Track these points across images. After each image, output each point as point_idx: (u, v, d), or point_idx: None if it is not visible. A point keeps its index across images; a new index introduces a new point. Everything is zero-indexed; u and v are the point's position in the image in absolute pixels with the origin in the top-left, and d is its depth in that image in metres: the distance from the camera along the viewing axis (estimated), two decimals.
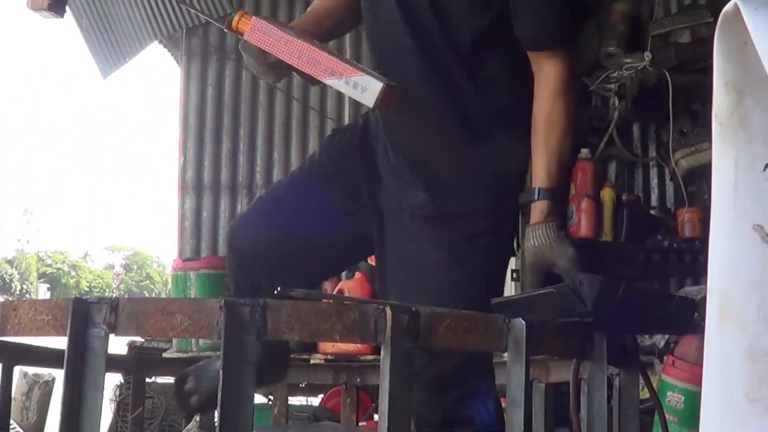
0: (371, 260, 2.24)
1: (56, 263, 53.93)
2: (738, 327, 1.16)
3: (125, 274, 56.21)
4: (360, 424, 3.13)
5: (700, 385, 1.22)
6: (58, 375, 2.89)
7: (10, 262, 49.41)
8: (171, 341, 4.08)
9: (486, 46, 1.95)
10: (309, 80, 1.88)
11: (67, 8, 4.10)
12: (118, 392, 4.36)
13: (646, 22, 4.28)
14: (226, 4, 5.58)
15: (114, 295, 1.66)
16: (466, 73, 1.95)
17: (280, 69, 1.89)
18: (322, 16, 2.12)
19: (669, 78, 3.86)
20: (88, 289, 50.77)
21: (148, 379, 2.83)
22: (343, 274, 4.24)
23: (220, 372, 1.24)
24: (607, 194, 3.97)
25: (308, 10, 2.17)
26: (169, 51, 6.27)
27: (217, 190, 5.73)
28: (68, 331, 1.27)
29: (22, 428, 5.25)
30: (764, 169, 1.16)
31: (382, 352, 1.28)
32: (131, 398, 2.88)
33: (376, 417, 3.44)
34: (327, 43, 2.10)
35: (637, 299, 1.65)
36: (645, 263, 3.94)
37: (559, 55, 1.92)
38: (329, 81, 1.79)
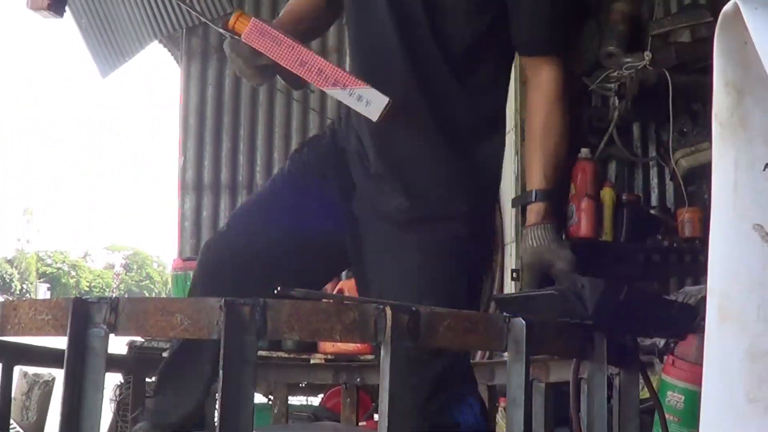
0: None
1: (56, 263, 53.93)
2: (738, 327, 1.16)
3: (125, 274, 56.21)
4: (360, 424, 3.13)
5: (700, 384, 1.22)
6: (58, 375, 2.89)
7: (10, 261, 49.40)
8: (171, 341, 4.08)
9: (478, 53, 1.98)
10: (293, 84, 1.86)
11: (67, 8, 4.12)
12: (118, 392, 4.35)
13: (646, 21, 4.28)
14: (226, 4, 5.58)
15: (114, 295, 1.66)
16: (457, 81, 1.95)
17: (266, 72, 1.86)
18: (297, 19, 2.09)
19: (669, 78, 3.86)
20: (88, 289, 50.78)
21: (148, 379, 2.82)
22: (343, 274, 4.25)
23: (221, 371, 1.24)
24: (607, 194, 3.97)
25: (281, 14, 2.11)
26: (169, 51, 6.27)
27: (217, 190, 5.74)
28: (68, 330, 1.27)
29: (22, 428, 5.25)
30: (764, 169, 1.16)
31: (382, 352, 1.28)
32: (131, 398, 2.88)
33: (376, 417, 3.44)
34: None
35: (639, 303, 1.66)
36: (645, 263, 3.94)
37: (556, 60, 1.96)
38: (332, 91, 1.78)
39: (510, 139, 3.67)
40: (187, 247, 5.67)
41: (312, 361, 4.30)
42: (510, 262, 4.16)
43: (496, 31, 1.98)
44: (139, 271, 57.27)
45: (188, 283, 4.01)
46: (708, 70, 1.26)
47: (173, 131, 6.09)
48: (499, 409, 2.85)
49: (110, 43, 6.16)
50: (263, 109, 5.76)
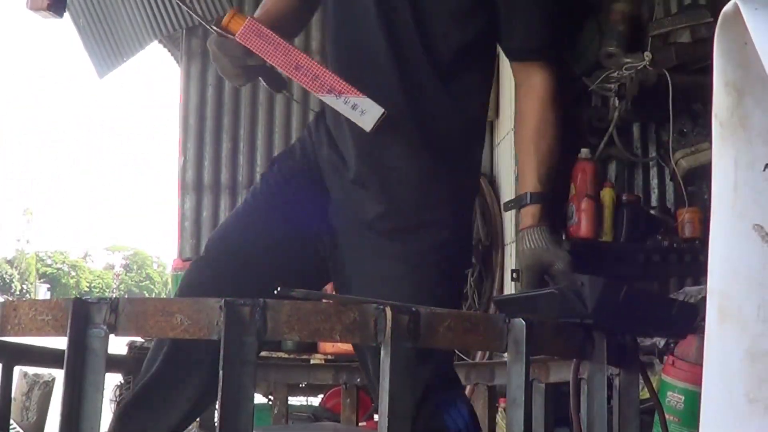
0: None
1: (56, 263, 53.95)
2: (738, 327, 1.16)
3: (125, 274, 56.23)
4: (360, 424, 3.13)
5: (700, 385, 1.22)
6: (58, 375, 2.89)
7: (10, 262, 49.41)
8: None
9: (464, 59, 1.97)
10: (275, 87, 1.85)
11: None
12: (118, 392, 4.35)
13: (646, 22, 4.28)
14: (226, 5, 5.58)
15: (114, 295, 1.66)
16: (443, 86, 1.95)
17: (251, 73, 1.84)
18: (273, 20, 2.03)
19: (669, 78, 3.86)
20: (88, 289, 50.81)
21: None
22: None
23: (221, 371, 1.24)
24: (607, 194, 3.97)
25: (257, 14, 2.05)
26: (169, 51, 6.27)
27: (217, 190, 5.73)
28: (68, 331, 1.27)
29: (22, 428, 5.25)
30: (764, 169, 1.16)
31: (382, 353, 1.28)
32: None
33: (376, 417, 3.44)
34: None
35: (639, 302, 1.66)
36: (645, 263, 3.94)
37: (549, 65, 1.98)
38: (326, 97, 1.76)
39: (510, 139, 3.67)
40: (187, 248, 5.67)
41: (312, 362, 4.30)
42: (510, 262, 4.16)
43: (483, 38, 1.99)
44: (139, 271, 57.28)
45: None
46: (708, 70, 1.26)
47: (173, 131, 6.09)
48: (499, 409, 2.85)
49: (108, 44, 6.16)
50: (263, 109, 5.76)
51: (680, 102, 3.94)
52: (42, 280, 50.81)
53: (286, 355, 4.55)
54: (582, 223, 3.84)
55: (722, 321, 1.18)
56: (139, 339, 4.24)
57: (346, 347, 4.15)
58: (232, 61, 1.80)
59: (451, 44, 1.94)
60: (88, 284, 52.69)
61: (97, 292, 48.38)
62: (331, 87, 1.74)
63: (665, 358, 2.94)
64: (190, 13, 1.92)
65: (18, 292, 46.20)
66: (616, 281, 1.60)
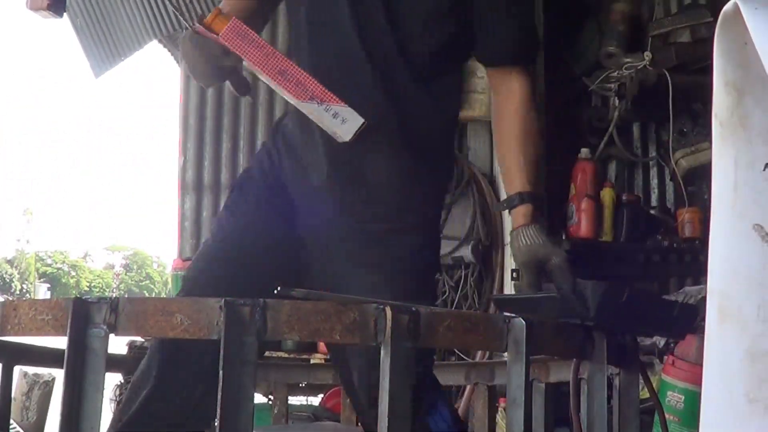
0: None
1: (56, 263, 53.95)
2: (738, 327, 1.16)
3: (125, 274, 56.23)
4: (360, 424, 3.13)
5: (700, 384, 1.22)
6: (58, 375, 2.89)
7: (10, 261, 49.41)
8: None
9: (439, 62, 1.98)
10: (241, 90, 1.81)
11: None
12: (118, 392, 4.35)
13: (646, 22, 4.28)
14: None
15: (114, 295, 1.65)
16: (421, 88, 1.95)
17: (222, 75, 1.80)
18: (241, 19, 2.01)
19: (669, 78, 3.86)
20: (88, 289, 50.80)
21: None
22: None
23: (221, 371, 1.24)
24: (607, 194, 3.97)
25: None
26: (169, 51, 6.26)
27: (217, 190, 5.73)
28: (68, 331, 1.27)
29: (22, 428, 5.25)
30: (764, 169, 1.16)
31: (382, 352, 1.27)
32: None
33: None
34: None
35: (640, 303, 1.66)
36: (645, 263, 3.94)
37: (525, 69, 2.00)
38: (308, 105, 1.73)
39: None
40: (187, 247, 5.66)
41: (312, 361, 4.30)
42: (510, 262, 4.16)
43: (457, 40, 1.99)
44: (139, 271, 57.29)
45: None
46: (708, 70, 1.26)
47: (173, 131, 6.09)
48: (499, 409, 2.85)
49: (105, 44, 6.16)
50: (263, 109, 5.75)
51: (680, 102, 3.95)
52: (42, 280, 50.80)
53: (286, 355, 4.55)
54: (582, 223, 3.85)
55: (722, 321, 1.18)
56: (139, 339, 4.24)
57: None
58: (207, 60, 1.76)
59: (427, 46, 1.94)
60: (88, 284, 52.68)
61: (97, 292, 48.38)
62: (314, 94, 1.72)
63: (665, 358, 2.94)
64: (176, 10, 1.88)
65: (18, 292, 46.19)
66: (617, 284, 1.61)
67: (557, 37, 4.04)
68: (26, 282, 48.55)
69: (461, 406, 3.59)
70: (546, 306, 1.70)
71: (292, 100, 1.74)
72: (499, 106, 2.01)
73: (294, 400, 4.31)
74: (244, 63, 1.76)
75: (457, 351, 3.67)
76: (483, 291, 3.94)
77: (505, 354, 1.40)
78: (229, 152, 5.74)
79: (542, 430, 1.80)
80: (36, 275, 50.61)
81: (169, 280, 5.70)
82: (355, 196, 1.96)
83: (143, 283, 55.69)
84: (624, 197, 4.06)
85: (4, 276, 47.90)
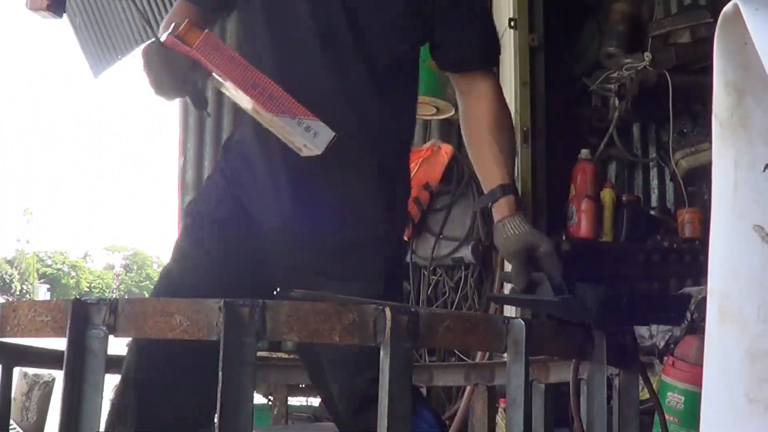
0: None
1: (56, 263, 53.94)
2: (738, 327, 1.16)
3: (125, 275, 56.19)
4: None
5: (700, 385, 1.22)
6: (58, 375, 2.89)
7: (10, 262, 49.41)
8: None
9: (401, 71, 2.00)
10: (198, 104, 1.78)
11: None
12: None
13: (646, 22, 4.28)
14: None
15: (114, 296, 1.64)
16: (380, 98, 1.95)
17: (186, 89, 1.76)
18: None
19: (669, 78, 3.86)
20: (88, 290, 50.79)
21: None
22: None
23: (220, 372, 1.24)
24: (607, 195, 3.96)
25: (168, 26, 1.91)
26: None
27: None
28: (67, 332, 1.27)
29: (21, 428, 5.25)
30: (764, 170, 1.16)
31: (381, 353, 1.27)
32: None
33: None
34: None
35: (638, 304, 1.68)
36: (645, 263, 3.94)
37: (490, 71, 2.04)
38: (280, 118, 1.71)
39: None
40: None
41: None
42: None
43: (417, 51, 2.02)
44: (139, 271, 57.25)
45: None
46: (708, 70, 1.26)
47: (173, 131, 6.08)
48: (499, 409, 2.85)
49: (104, 43, 6.16)
50: None
51: (680, 102, 3.95)
52: (42, 281, 50.77)
53: (286, 356, 4.55)
54: (582, 224, 3.84)
55: (722, 321, 1.18)
56: None
57: None
58: (174, 73, 1.71)
59: (390, 56, 1.95)
60: (88, 284, 52.66)
61: (97, 293, 48.36)
62: (286, 108, 1.70)
63: (665, 358, 2.94)
64: (142, 17, 1.82)
65: (18, 293, 46.19)
66: (616, 288, 1.63)
67: (557, 37, 4.03)
68: (26, 282, 48.56)
69: (461, 406, 3.58)
70: (546, 309, 1.71)
71: (266, 114, 1.72)
72: (470, 108, 2.03)
73: (294, 401, 4.31)
74: (213, 76, 1.74)
75: (457, 352, 3.66)
76: (483, 291, 3.93)
77: (505, 355, 1.40)
78: None
79: (542, 430, 1.80)
80: (36, 276, 50.61)
81: None
82: (319, 208, 1.93)
83: (143, 283, 55.64)
84: (624, 198, 4.05)
85: (4, 276, 47.90)
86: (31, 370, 5.41)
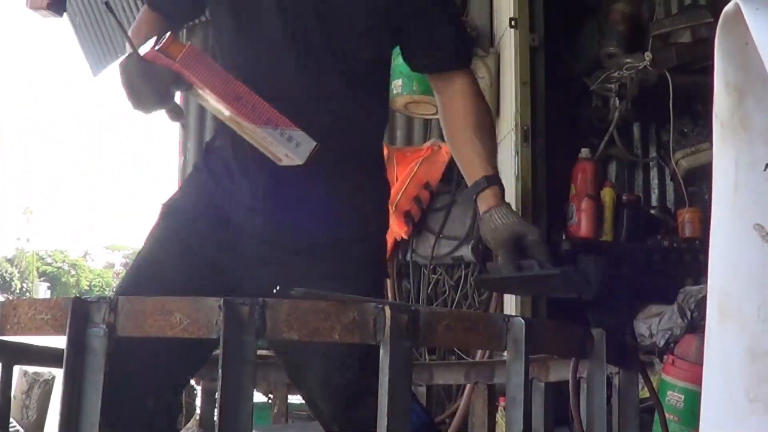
0: None
1: (56, 262, 53.94)
2: (738, 327, 1.16)
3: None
4: None
5: (699, 384, 1.22)
6: (58, 374, 2.89)
7: (10, 260, 49.42)
8: None
9: (373, 74, 2.00)
10: (174, 116, 1.77)
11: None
12: None
13: (647, 22, 4.27)
14: None
15: (113, 294, 1.64)
16: (354, 101, 1.95)
17: (165, 102, 1.74)
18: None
19: (669, 78, 3.85)
20: (88, 288, 50.79)
21: None
22: None
23: (220, 371, 1.24)
24: (607, 194, 3.96)
25: (132, 38, 1.83)
26: None
27: None
28: (67, 330, 1.27)
29: (22, 427, 5.25)
30: (765, 170, 1.16)
31: (381, 352, 1.27)
32: None
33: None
34: None
35: (636, 276, 1.71)
36: (645, 263, 3.94)
37: (467, 68, 2.06)
38: (263, 129, 1.70)
39: (510, 139, 3.67)
40: None
41: None
42: None
43: (389, 54, 2.03)
44: None
45: None
46: (709, 70, 1.26)
47: (173, 131, 6.08)
48: (499, 408, 2.85)
49: (104, 42, 6.16)
50: None
51: (681, 102, 3.94)
52: (42, 279, 50.79)
53: None
54: (582, 223, 3.84)
55: (722, 321, 1.18)
56: None
57: None
58: (154, 87, 1.69)
59: (359, 60, 1.94)
60: (88, 283, 52.64)
61: (97, 291, 48.32)
62: (269, 119, 1.70)
63: (665, 357, 2.94)
64: (125, 33, 1.77)
65: (18, 291, 46.21)
66: (615, 259, 1.68)
67: (558, 37, 4.03)
68: (26, 281, 48.56)
69: (461, 405, 3.59)
70: (546, 283, 1.71)
71: (248, 125, 1.71)
72: (448, 107, 2.05)
73: (294, 400, 4.32)
74: (193, 88, 1.72)
75: (456, 350, 3.67)
76: (483, 290, 3.93)
77: (505, 353, 1.40)
78: None
79: (542, 429, 1.80)
80: (36, 274, 50.61)
81: None
82: (298, 212, 1.91)
83: None
84: (624, 197, 4.05)
85: (5, 275, 47.91)
86: (31, 369, 5.42)
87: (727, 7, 1.16)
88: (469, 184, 2.00)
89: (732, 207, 1.18)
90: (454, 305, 3.94)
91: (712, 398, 1.19)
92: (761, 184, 1.16)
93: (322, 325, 1.27)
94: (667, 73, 3.87)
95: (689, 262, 3.84)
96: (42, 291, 47.26)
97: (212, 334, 1.25)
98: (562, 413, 1.77)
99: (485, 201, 1.94)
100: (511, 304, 3.58)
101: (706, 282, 1.22)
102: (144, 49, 1.73)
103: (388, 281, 4.04)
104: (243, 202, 1.94)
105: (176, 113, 1.78)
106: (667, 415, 2.38)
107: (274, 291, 1.34)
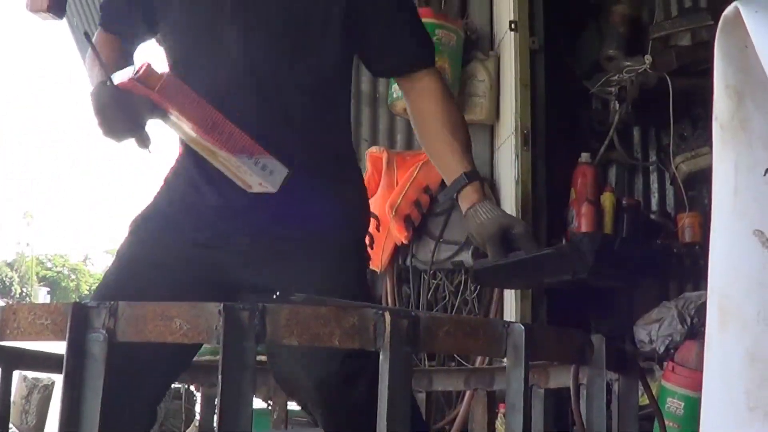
0: None
1: (56, 266, 53.94)
2: (738, 330, 1.16)
3: None
4: None
5: (699, 391, 1.22)
6: (58, 379, 2.89)
7: (10, 265, 49.42)
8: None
9: (337, 83, 2.00)
10: (142, 144, 1.76)
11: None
12: None
13: (647, 25, 4.27)
14: None
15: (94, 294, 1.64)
16: (319, 113, 1.95)
17: (137, 131, 1.73)
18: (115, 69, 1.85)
19: (669, 81, 3.85)
20: (88, 293, 50.77)
21: None
22: None
23: (219, 376, 1.23)
24: (607, 198, 3.96)
25: (100, 64, 1.79)
26: None
27: None
28: (67, 335, 1.27)
29: None
30: (765, 174, 1.16)
31: (381, 357, 1.27)
32: None
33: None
34: None
35: (630, 252, 1.72)
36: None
37: (433, 67, 2.06)
38: (238, 158, 1.70)
39: (510, 142, 3.67)
40: None
41: None
42: None
43: (350, 63, 2.02)
44: None
45: None
46: (708, 73, 1.26)
47: (173, 133, 6.07)
48: (499, 414, 2.84)
49: None
50: None
51: (681, 105, 3.94)
52: (42, 284, 50.78)
53: None
54: (582, 228, 3.84)
55: (723, 324, 1.18)
56: None
57: None
58: (129, 116, 1.69)
59: (325, 69, 1.94)
60: (88, 288, 52.65)
61: None
62: (244, 147, 1.70)
63: (665, 364, 2.94)
64: (100, 59, 1.75)
65: (18, 296, 46.21)
66: (609, 236, 1.69)
67: (557, 40, 4.03)
68: (26, 285, 48.55)
69: (461, 411, 3.58)
70: (541, 264, 1.72)
71: (223, 153, 1.71)
72: (418, 107, 2.05)
73: (293, 406, 4.31)
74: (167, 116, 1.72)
75: (456, 356, 3.66)
76: (483, 296, 3.93)
77: (505, 359, 1.39)
78: None
79: None
80: (36, 279, 50.61)
81: None
82: (277, 205, 1.87)
83: None
84: (624, 201, 4.05)
85: (4, 279, 47.91)
86: (30, 374, 5.42)
87: (727, 10, 1.16)
88: (447, 183, 1.99)
89: (732, 211, 1.18)
90: (454, 311, 3.93)
91: (712, 402, 1.19)
92: (761, 187, 1.16)
93: (322, 331, 1.27)
94: (667, 76, 3.86)
95: (689, 266, 3.84)
96: (42, 296, 47.24)
97: (212, 339, 1.25)
98: (562, 420, 1.77)
99: (467, 198, 1.94)
100: (511, 309, 3.58)
101: (706, 287, 1.22)
102: (119, 77, 1.70)
103: (388, 286, 4.05)
104: (220, 198, 1.92)
105: (145, 142, 1.76)
106: (666, 422, 2.38)
107: (274, 296, 1.33)
